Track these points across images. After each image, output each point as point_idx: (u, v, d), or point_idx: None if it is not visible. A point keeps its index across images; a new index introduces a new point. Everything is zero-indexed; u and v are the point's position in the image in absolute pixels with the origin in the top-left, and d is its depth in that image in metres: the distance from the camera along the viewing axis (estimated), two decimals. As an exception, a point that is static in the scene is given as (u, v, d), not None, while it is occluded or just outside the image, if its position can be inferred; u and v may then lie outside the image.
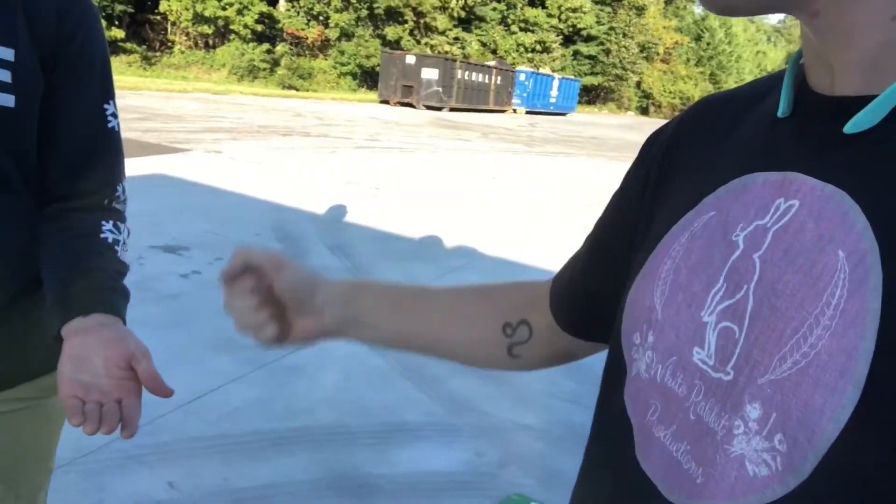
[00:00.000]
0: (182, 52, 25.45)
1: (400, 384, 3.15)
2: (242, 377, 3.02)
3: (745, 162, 0.48)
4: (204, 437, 2.51)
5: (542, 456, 2.68)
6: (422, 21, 30.04)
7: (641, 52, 40.22)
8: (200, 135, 10.29)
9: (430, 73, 23.59)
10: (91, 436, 0.81)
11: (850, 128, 0.41)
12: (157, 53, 25.09)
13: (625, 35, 38.49)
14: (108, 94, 0.96)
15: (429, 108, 23.60)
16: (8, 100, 0.84)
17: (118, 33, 22.66)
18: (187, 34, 25.63)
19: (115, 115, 0.96)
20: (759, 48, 52.38)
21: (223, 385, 2.93)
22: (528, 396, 3.17)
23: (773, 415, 0.40)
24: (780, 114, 0.47)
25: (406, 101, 23.68)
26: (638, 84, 41.48)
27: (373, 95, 25.72)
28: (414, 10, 29.23)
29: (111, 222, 0.94)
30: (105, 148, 0.95)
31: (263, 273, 0.67)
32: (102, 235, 0.92)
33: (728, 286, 0.45)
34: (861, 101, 0.41)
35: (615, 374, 0.55)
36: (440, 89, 23.67)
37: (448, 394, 3.11)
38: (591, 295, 0.65)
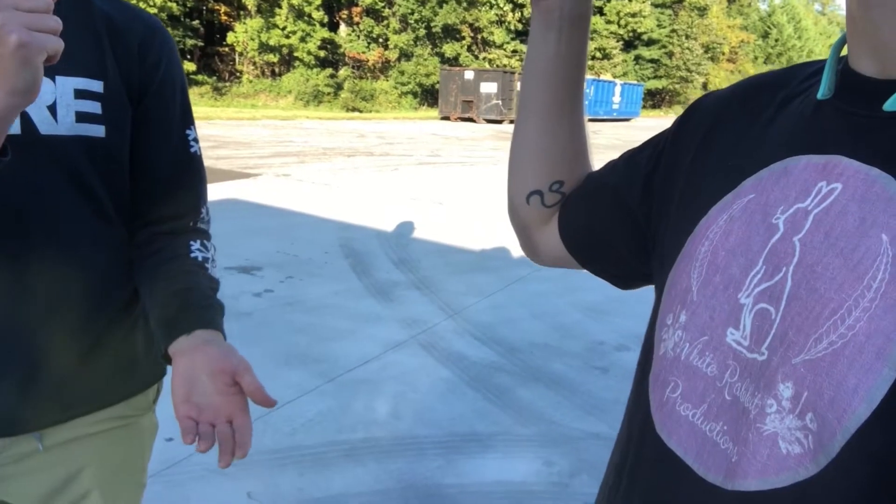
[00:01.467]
0: (250, 81, 26.47)
1: (468, 394, 3.16)
2: (314, 390, 3.11)
3: (787, 145, 0.48)
4: (279, 449, 2.60)
5: (613, 465, 2.63)
6: (479, 36, 30.25)
7: (706, 52, 39.20)
8: (269, 160, 10.66)
9: (488, 87, 23.69)
10: (183, 447, 0.84)
11: (889, 105, 0.41)
12: (227, 83, 26.19)
13: (687, 37, 37.61)
14: (188, 120, 1.00)
15: (489, 121, 23.68)
16: (99, 130, 0.89)
17: (190, 66, 23.80)
18: (254, 63, 26.66)
19: (196, 140, 1.01)
20: (832, 41, 50.18)
21: (296, 398, 3.02)
22: (597, 404, 3.12)
23: (805, 394, 0.40)
24: (819, 95, 0.47)
25: (466, 116, 23.84)
26: (704, 85, 40.40)
27: (433, 113, 26.02)
28: (471, 25, 29.47)
29: (198, 241, 0.98)
30: (190, 173, 0.99)
31: None
32: (192, 255, 0.96)
33: (767, 269, 0.45)
34: None
35: (646, 357, 0.56)
36: (499, 102, 23.72)
37: (515, 403, 3.10)
38: (580, 222, 0.67)
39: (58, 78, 0.85)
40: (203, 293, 0.92)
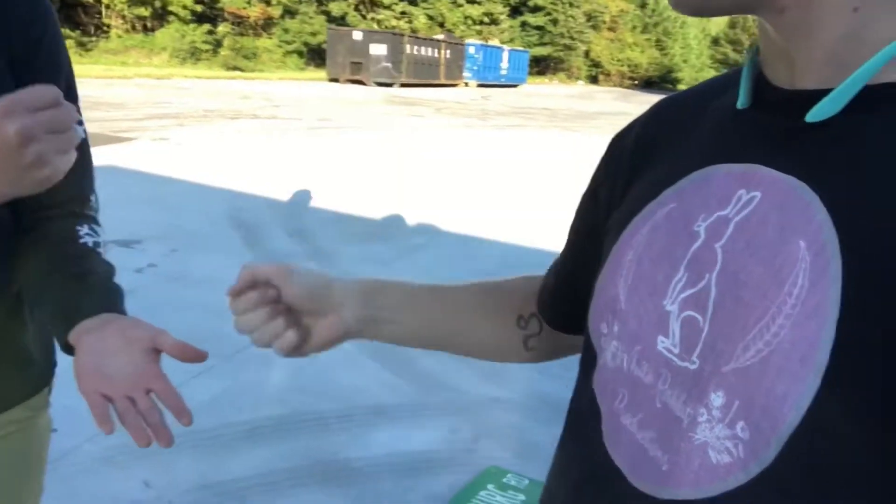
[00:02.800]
0: (119, 37, 24.46)
1: (369, 366, 3.15)
2: (208, 370, 2.98)
3: (706, 154, 0.49)
4: (175, 434, 2.47)
5: (515, 428, 2.72)
6: (367, -5, 29.52)
7: (588, 21, 40.36)
8: (145, 122, 9.97)
9: (378, 49, 23.24)
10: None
11: (811, 116, 0.42)
12: (93, 38, 24.07)
13: (571, 4, 38.52)
14: (74, 98, 0.91)
15: (379, 84, 23.30)
16: None
17: (49, 18, 21.64)
18: (123, 17, 24.64)
19: (80, 122, 0.92)
20: (702, 13, 53.01)
21: (189, 380, 2.88)
22: (498, 370, 3.21)
23: (736, 402, 0.40)
24: (739, 105, 0.48)
25: (356, 78, 23.31)
26: (586, 53, 41.68)
27: (321, 74, 25.24)
28: (358, -16, 28.68)
29: (86, 226, 0.91)
30: (77, 155, 0.91)
31: (271, 285, 0.66)
32: (82, 240, 0.89)
33: (690, 275, 0.45)
34: (821, 94, 0.42)
35: (587, 363, 0.56)
36: (390, 65, 23.38)
37: (418, 372, 3.12)
38: (575, 294, 0.66)
39: None
40: (102, 277, 0.87)
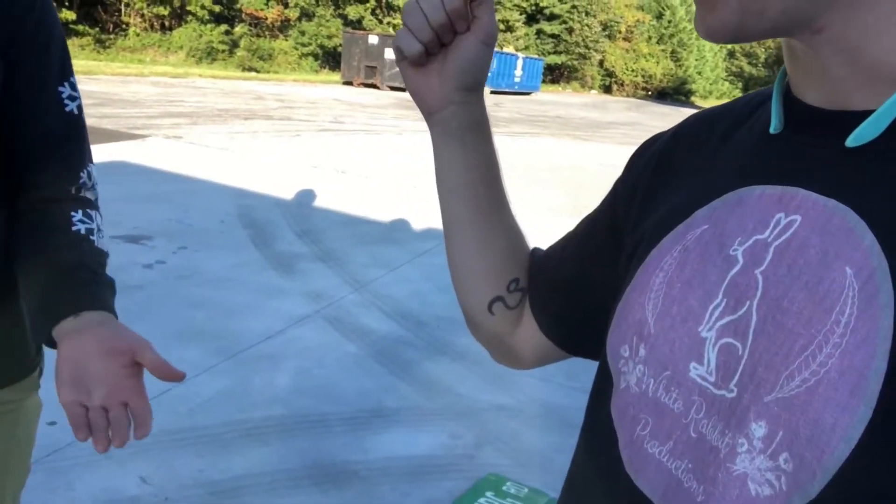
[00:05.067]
0: (137, 35, 24.67)
1: (374, 369, 3.14)
2: (212, 368, 2.98)
3: (740, 176, 0.47)
4: (175, 430, 2.47)
5: (516, 435, 2.70)
6: (383, 0, 29.64)
7: (604, 30, 40.33)
8: (159, 120, 10.03)
9: (393, 54, 23.34)
10: (67, 431, 0.78)
11: (851, 141, 0.40)
12: (111, 36, 24.29)
13: (587, 13, 38.53)
14: (64, 75, 0.91)
15: (393, 88, 23.36)
16: None
17: (69, 15, 21.85)
18: (142, 16, 24.85)
19: (72, 98, 0.91)
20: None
21: (193, 377, 2.88)
22: (502, 376, 3.19)
23: (780, 433, 0.39)
24: (772, 129, 0.47)
25: (370, 82, 23.39)
26: (601, 63, 41.63)
27: (335, 76, 25.34)
28: (375, -11, 28.81)
29: (80, 212, 0.90)
30: (61, 134, 0.90)
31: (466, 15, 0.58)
32: (74, 228, 0.88)
33: (728, 301, 0.44)
34: (858, 115, 0.40)
35: (603, 387, 0.54)
36: (404, 70, 23.44)
37: (421, 377, 3.11)
38: (571, 298, 0.64)
39: None
40: (89, 269, 0.86)
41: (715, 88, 46.67)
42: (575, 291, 0.64)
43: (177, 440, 2.42)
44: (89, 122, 0.98)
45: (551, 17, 37.96)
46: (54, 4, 0.92)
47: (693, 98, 43.72)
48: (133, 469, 2.22)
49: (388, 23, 30.00)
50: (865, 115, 0.40)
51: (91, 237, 0.89)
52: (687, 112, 0.79)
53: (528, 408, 2.92)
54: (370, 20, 29.25)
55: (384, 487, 2.29)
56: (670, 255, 0.49)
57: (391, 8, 30.27)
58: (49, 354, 0.87)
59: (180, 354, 3.05)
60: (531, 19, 37.53)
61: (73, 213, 0.89)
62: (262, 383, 2.91)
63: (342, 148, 9.48)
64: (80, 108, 0.92)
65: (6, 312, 0.92)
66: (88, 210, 0.91)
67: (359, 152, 9.24)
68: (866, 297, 0.37)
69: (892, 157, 0.39)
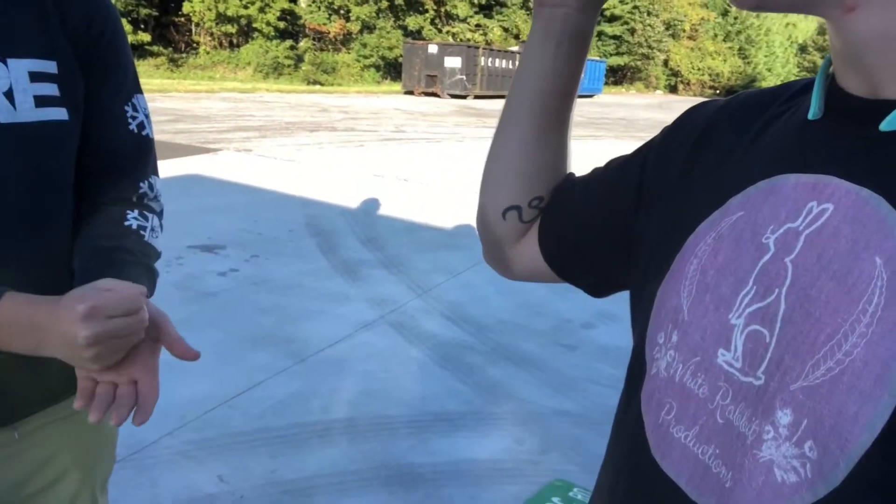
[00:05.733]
0: (207, 53, 25.72)
1: (438, 374, 3.17)
2: (283, 371, 3.08)
3: (775, 163, 0.47)
4: (250, 432, 2.57)
5: (582, 441, 2.68)
6: (442, 10, 29.88)
7: (667, 29, 39.47)
8: (230, 134, 10.42)
9: (453, 62, 23.47)
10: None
11: (885, 125, 0.40)
12: (184, 55, 25.40)
13: (649, 13, 37.79)
14: (130, 94, 0.96)
15: (453, 96, 23.52)
16: (62, 113, 0.85)
17: (144, 37, 22.98)
18: (211, 34, 25.88)
19: (134, 117, 0.96)
20: (789, 20, 51.03)
21: (266, 380, 2.99)
22: (566, 382, 3.17)
23: (805, 421, 0.39)
24: (810, 116, 0.47)
25: (430, 90, 23.62)
26: (665, 62, 40.73)
27: (397, 87, 25.72)
28: (434, -2, 29.09)
29: (136, 211, 0.94)
30: (122, 151, 0.95)
31: None
32: (127, 223, 0.92)
33: (758, 289, 0.44)
34: (894, 103, 0.40)
35: (636, 375, 0.55)
36: (464, 77, 23.56)
37: (486, 382, 3.13)
38: (580, 228, 0.65)
39: (9, 61, 0.80)
40: (129, 253, 0.88)
41: (786, 85, 44.84)
42: (584, 226, 0.65)
43: (251, 441, 2.52)
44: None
45: (612, 19, 37.39)
46: (129, 27, 0.96)
47: (763, 95, 42.11)
48: (212, 468, 2.32)
49: (448, 31, 30.22)
50: None
51: (142, 232, 0.92)
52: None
53: (592, 413, 2.89)
54: (429, 30, 29.53)
55: (451, 490, 2.32)
56: (704, 241, 0.50)
57: (450, 17, 30.49)
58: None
59: (253, 358, 3.17)
60: (592, 21, 37.07)
61: (128, 212, 0.93)
62: (331, 387, 2.99)
63: (404, 156, 9.62)
64: (140, 125, 0.97)
65: None
66: (145, 212, 0.95)
67: (420, 160, 9.36)
68: (895, 288, 0.37)
69: None
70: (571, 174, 0.70)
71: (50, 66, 0.84)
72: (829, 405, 0.38)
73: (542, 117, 0.65)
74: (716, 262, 0.48)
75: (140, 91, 0.99)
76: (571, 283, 0.69)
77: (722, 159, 0.53)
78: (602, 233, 0.63)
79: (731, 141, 0.53)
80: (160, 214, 1.00)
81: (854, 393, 0.37)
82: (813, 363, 0.39)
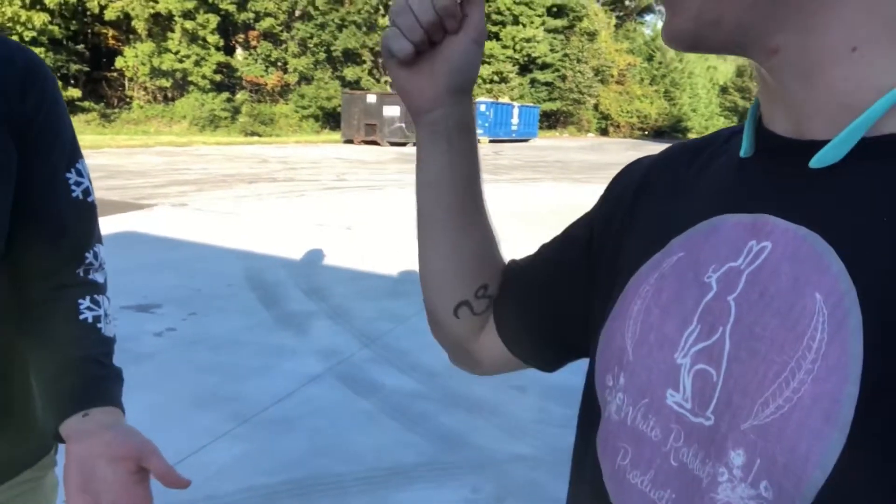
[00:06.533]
0: (141, 107, 25.34)
1: (389, 425, 3.10)
2: (227, 433, 2.95)
3: (714, 204, 0.48)
4: (192, 500, 2.43)
5: (538, 485, 2.64)
6: (380, 60, 30.38)
7: (596, 75, 41.12)
8: (165, 189, 10.19)
9: (392, 111, 23.77)
10: None
11: (815, 162, 0.41)
12: (116, 110, 24.96)
13: (579, 60, 39.35)
14: (71, 161, 0.92)
15: (393, 144, 23.75)
16: None
17: (75, 93, 22.52)
18: (145, 89, 25.58)
19: (78, 184, 0.93)
20: (710, 63, 53.95)
21: (209, 443, 2.85)
22: (519, 425, 3.14)
23: (758, 461, 0.39)
24: (742, 154, 0.48)
25: (370, 139, 23.80)
26: (595, 106, 42.30)
27: (336, 136, 25.81)
28: (371, 50, 29.57)
29: (88, 298, 0.90)
30: (67, 219, 0.92)
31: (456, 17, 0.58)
32: (81, 317, 0.89)
33: (702, 327, 0.44)
34: (820, 143, 0.41)
35: (590, 417, 0.54)
36: (403, 125, 23.85)
37: (439, 431, 3.07)
38: (541, 307, 0.64)
39: None
40: (96, 362, 0.86)
41: (710, 124, 47.21)
42: (541, 303, 0.64)
43: (193, 510, 2.38)
44: (98, 194, 1.00)
45: (544, 66, 38.78)
46: (59, 84, 0.94)
47: (690, 135, 44.17)
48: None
49: (385, 81, 30.71)
50: (827, 143, 0.41)
51: (98, 325, 0.90)
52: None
53: (548, 455, 2.87)
54: (367, 80, 29.96)
55: (406, 548, 2.23)
56: (647, 282, 0.50)
57: (387, 68, 30.98)
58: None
59: (195, 421, 3.02)
60: (524, 69, 38.36)
61: (80, 301, 0.89)
62: (277, 446, 2.87)
63: (346, 205, 9.59)
64: (86, 191, 0.94)
65: (24, 395, 0.92)
66: (96, 295, 0.92)
67: (362, 208, 9.34)
68: (836, 323, 0.37)
69: (857, 182, 0.40)
70: (513, 260, 0.71)
71: None
72: (781, 444, 0.38)
73: (454, 210, 0.65)
74: (659, 302, 0.48)
75: (81, 156, 0.95)
76: (534, 365, 0.68)
77: (663, 203, 0.54)
78: (563, 304, 0.63)
79: (668, 186, 0.54)
80: (105, 286, 0.96)
81: (804, 431, 0.37)
82: (762, 401, 0.39)
